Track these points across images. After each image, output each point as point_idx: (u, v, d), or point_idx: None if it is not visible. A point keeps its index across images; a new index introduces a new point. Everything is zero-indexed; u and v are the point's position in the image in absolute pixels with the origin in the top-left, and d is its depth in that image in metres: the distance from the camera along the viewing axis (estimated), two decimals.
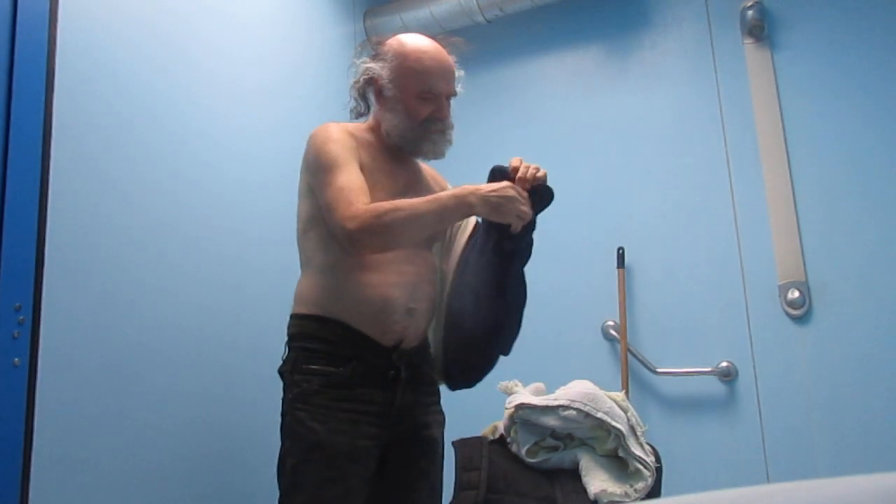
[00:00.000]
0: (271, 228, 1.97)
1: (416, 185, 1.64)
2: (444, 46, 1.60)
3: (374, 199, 1.47)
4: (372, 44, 1.61)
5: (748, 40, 2.37)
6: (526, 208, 1.45)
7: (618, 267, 2.38)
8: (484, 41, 2.78)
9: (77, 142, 1.48)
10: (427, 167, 1.75)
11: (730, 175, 2.33)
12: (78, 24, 1.51)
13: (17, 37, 1.35)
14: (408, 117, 1.54)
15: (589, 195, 2.52)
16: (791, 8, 2.34)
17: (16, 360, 1.28)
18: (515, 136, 2.69)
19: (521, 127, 2.69)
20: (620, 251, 2.40)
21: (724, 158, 2.34)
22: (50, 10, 1.43)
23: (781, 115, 2.28)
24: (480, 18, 2.63)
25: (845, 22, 2.25)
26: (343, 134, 1.54)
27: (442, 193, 1.45)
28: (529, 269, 2.53)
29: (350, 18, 2.70)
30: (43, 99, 1.40)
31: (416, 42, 1.56)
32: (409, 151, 1.59)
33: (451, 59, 1.58)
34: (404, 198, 1.55)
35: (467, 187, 1.42)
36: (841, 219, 2.15)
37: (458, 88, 1.61)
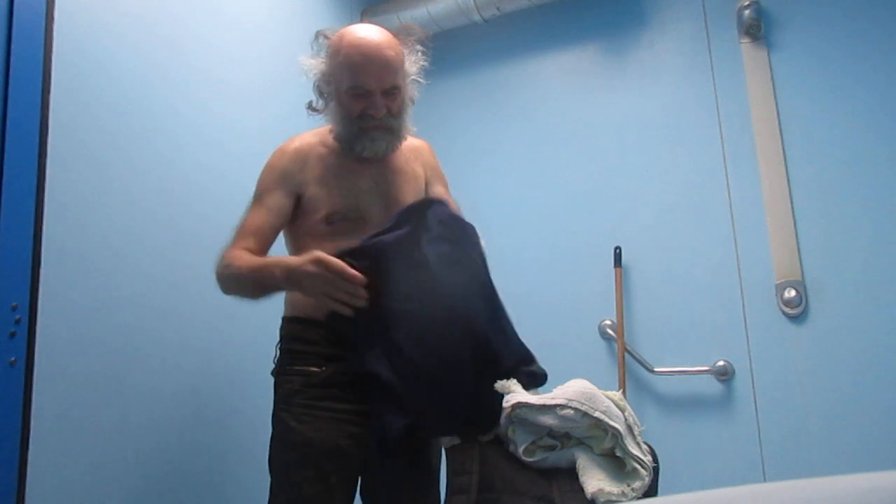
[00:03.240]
0: None
1: (387, 179, 1.59)
2: (403, 35, 1.54)
3: (333, 204, 1.50)
4: (320, 37, 1.56)
5: (745, 40, 2.37)
6: (333, 290, 1.26)
7: (615, 266, 2.39)
8: (481, 40, 2.78)
9: (74, 140, 1.48)
10: (413, 148, 1.69)
11: (726, 174, 2.33)
12: (75, 22, 1.51)
13: (14, 34, 1.35)
14: (341, 114, 1.51)
15: (586, 194, 2.52)
16: (788, 7, 2.34)
17: (12, 359, 1.28)
18: (512, 136, 2.69)
19: (518, 126, 2.69)
20: (617, 250, 2.40)
21: (721, 158, 2.35)
22: (47, 8, 1.43)
23: (778, 114, 2.28)
24: (478, 17, 2.63)
25: (842, 21, 2.25)
26: (286, 157, 1.55)
27: (272, 261, 1.40)
28: (527, 269, 2.55)
29: (347, 18, 2.70)
30: (39, 97, 1.40)
31: (351, 36, 1.49)
32: (349, 149, 1.53)
33: (390, 50, 1.48)
34: (373, 196, 1.55)
35: (288, 261, 1.35)
36: (837, 218, 2.16)
37: (405, 79, 1.53)
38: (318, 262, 1.25)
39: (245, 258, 1.40)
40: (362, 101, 1.47)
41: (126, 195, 1.60)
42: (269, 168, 1.56)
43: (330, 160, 1.55)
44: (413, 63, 1.55)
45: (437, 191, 1.71)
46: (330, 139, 1.57)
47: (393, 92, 1.49)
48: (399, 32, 1.54)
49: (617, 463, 1.40)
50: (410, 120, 1.59)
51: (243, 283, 1.41)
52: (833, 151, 2.20)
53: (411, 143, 1.69)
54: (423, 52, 1.57)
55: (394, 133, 1.53)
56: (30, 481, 1.29)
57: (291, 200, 1.52)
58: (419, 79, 1.58)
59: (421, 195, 1.65)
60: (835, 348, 2.10)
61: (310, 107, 1.61)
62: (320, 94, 1.57)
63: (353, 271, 1.24)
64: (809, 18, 2.30)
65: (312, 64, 1.54)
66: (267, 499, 1.46)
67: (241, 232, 1.47)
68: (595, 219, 2.49)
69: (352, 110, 1.49)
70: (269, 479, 1.47)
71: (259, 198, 1.52)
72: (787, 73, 2.30)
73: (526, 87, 2.72)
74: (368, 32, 1.50)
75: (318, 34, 1.57)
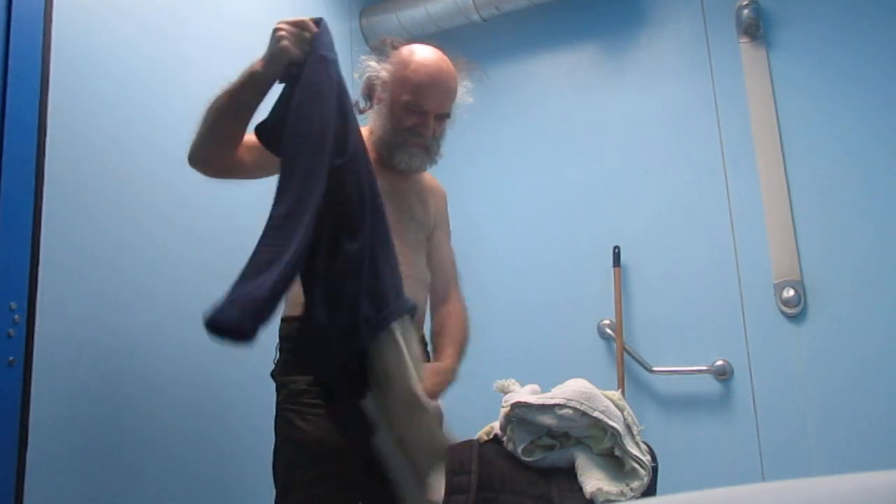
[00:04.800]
0: None
1: (402, 189, 1.61)
2: (459, 68, 1.59)
3: None
4: (387, 44, 1.61)
5: (744, 39, 2.37)
6: (284, 26, 1.31)
7: (614, 266, 2.39)
8: (480, 40, 2.78)
9: (72, 139, 1.47)
10: (434, 186, 1.74)
11: (725, 174, 2.33)
12: (73, 21, 1.51)
13: (13, 33, 1.35)
14: (390, 123, 1.54)
15: (585, 194, 2.52)
16: (786, 7, 2.34)
17: (11, 358, 1.28)
18: (511, 135, 2.69)
19: (517, 125, 2.69)
20: (616, 250, 2.40)
21: (720, 157, 2.35)
22: (45, 7, 1.43)
23: (777, 113, 2.28)
24: (476, 17, 2.63)
25: (841, 21, 2.25)
26: None
27: None
28: (526, 269, 2.55)
29: (346, 17, 2.70)
30: (38, 96, 1.39)
31: (423, 54, 1.55)
32: (386, 157, 1.57)
33: (453, 80, 1.56)
34: (386, 198, 1.54)
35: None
36: (836, 218, 2.16)
37: (459, 109, 1.60)
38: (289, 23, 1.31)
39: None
40: (414, 117, 1.53)
41: (125, 194, 1.60)
42: None
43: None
44: (461, 96, 1.62)
45: (442, 239, 1.75)
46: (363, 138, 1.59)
47: (443, 118, 1.57)
48: (459, 65, 1.60)
49: (616, 462, 1.40)
50: (443, 147, 1.64)
51: (217, 104, 1.39)
52: (832, 151, 2.20)
53: (431, 181, 1.75)
54: (471, 90, 1.65)
55: (430, 154, 1.59)
56: (28, 481, 1.29)
57: None
58: (461, 112, 1.64)
59: (429, 218, 1.68)
60: (833, 348, 2.10)
61: (355, 106, 1.64)
62: (369, 96, 1.61)
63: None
64: (808, 18, 2.30)
65: (374, 66, 1.58)
66: (267, 497, 1.45)
67: None
68: (594, 218, 2.49)
69: (402, 122, 1.53)
70: (268, 477, 1.46)
71: None
72: (785, 73, 2.30)
73: (524, 87, 2.71)
74: (439, 57, 1.56)
75: (386, 40, 1.62)
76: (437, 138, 1.59)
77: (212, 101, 1.39)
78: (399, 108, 1.53)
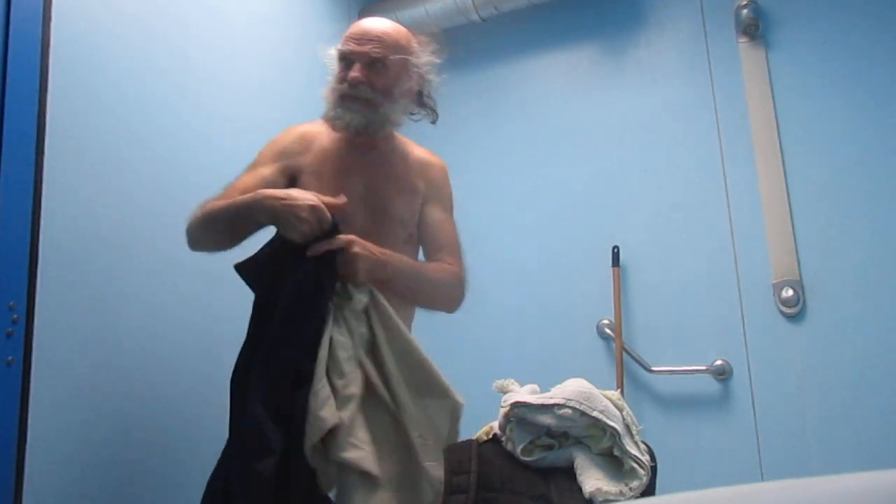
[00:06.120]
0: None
1: (378, 185, 1.55)
2: (412, 31, 1.57)
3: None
4: None
5: (743, 39, 2.37)
6: (307, 215, 1.27)
7: (613, 265, 2.39)
8: (479, 40, 2.78)
9: (71, 140, 1.47)
10: (423, 162, 1.66)
11: (724, 173, 2.33)
12: (72, 22, 1.51)
13: (11, 35, 1.35)
14: (329, 86, 1.52)
15: (584, 194, 2.52)
16: (786, 7, 2.34)
17: (10, 358, 1.28)
18: (510, 135, 2.69)
19: (516, 125, 2.69)
20: (615, 250, 2.40)
21: (719, 157, 2.35)
22: (44, 7, 1.43)
23: (776, 113, 2.28)
24: (475, 17, 2.62)
25: (840, 21, 2.25)
26: (291, 136, 1.57)
27: (243, 197, 1.37)
28: (525, 270, 2.55)
29: (345, 17, 2.69)
30: (37, 96, 1.39)
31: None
32: (329, 120, 1.51)
33: (385, 26, 1.52)
34: (359, 203, 1.50)
35: (263, 192, 1.34)
36: (835, 217, 2.16)
37: (400, 62, 1.51)
38: (305, 198, 1.29)
39: (214, 204, 1.43)
40: (347, 69, 1.49)
41: (123, 194, 1.60)
42: (271, 143, 1.59)
43: (331, 151, 1.54)
44: (418, 56, 1.55)
45: (433, 213, 1.64)
46: (332, 134, 1.56)
47: (377, 65, 1.48)
48: (414, 29, 1.59)
49: (615, 462, 1.40)
50: (403, 110, 1.56)
51: (215, 218, 1.40)
52: (831, 150, 2.20)
53: (423, 158, 1.66)
54: (435, 52, 1.58)
55: (372, 109, 1.48)
56: (27, 481, 1.29)
57: (284, 179, 1.51)
58: (427, 76, 1.57)
59: (415, 209, 1.61)
60: (832, 347, 2.10)
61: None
62: None
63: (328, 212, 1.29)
64: (807, 18, 2.30)
65: (330, 53, 1.57)
66: None
67: (227, 191, 1.47)
68: (593, 218, 2.49)
69: (337, 77, 1.51)
70: None
71: (253, 166, 1.54)
72: (784, 73, 2.30)
73: (524, 87, 2.71)
74: (379, 18, 1.56)
75: None
76: (378, 91, 1.48)
77: (212, 210, 1.41)
78: (336, 66, 1.52)
